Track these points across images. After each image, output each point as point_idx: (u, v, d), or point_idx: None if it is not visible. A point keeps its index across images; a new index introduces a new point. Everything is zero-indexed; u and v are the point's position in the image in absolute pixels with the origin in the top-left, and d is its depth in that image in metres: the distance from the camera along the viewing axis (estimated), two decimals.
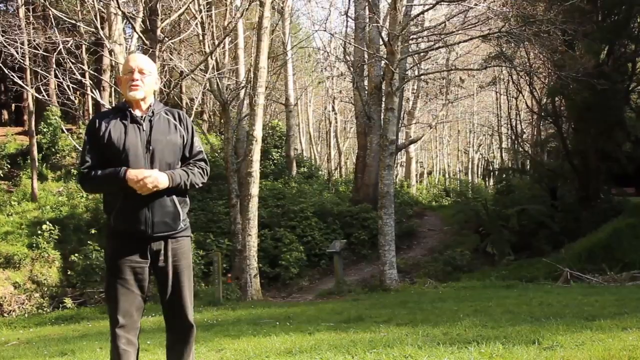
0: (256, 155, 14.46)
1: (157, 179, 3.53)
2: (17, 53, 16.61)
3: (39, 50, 17.66)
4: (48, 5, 15.95)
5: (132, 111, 3.72)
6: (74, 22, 17.75)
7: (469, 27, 15.22)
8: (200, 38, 17.47)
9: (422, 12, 17.68)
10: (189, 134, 3.86)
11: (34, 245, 18.87)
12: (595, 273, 13.66)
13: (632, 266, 13.62)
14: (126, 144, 3.60)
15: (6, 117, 30.89)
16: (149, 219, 3.59)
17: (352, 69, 21.86)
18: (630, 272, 13.10)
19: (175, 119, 3.83)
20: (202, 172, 3.86)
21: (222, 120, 21.67)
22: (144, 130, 3.68)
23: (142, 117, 3.72)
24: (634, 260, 14.01)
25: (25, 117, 25.81)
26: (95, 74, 20.27)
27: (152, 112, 3.76)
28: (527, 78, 21.41)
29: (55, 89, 22.30)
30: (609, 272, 13.40)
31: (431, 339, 5.70)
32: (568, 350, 4.80)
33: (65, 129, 23.26)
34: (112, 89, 19.45)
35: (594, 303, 8.17)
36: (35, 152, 22.58)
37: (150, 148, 3.65)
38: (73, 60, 16.55)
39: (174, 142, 3.76)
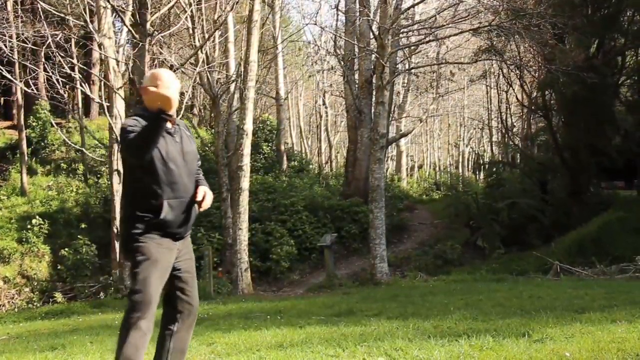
0: (247, 149, 14.43)
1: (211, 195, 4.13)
2: (6, 46, 16.50)
3: (27, 44, 17.54)
4: None
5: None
6: (63, 15, 17.63)
7: (460, 20, 15.21)
8: (190, 32, 17.39)
9: (413, 6, 17.68)
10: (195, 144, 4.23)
11: (24, 239, 18.80)
12: (584, 266, 13.71)
13: (621, 259, 13.66)
14: (170, 154, 3.90)
15: None
16: (186, 223, 4.04)
17: (342, 63, 21.84)
18: (619, 265, 13.15)
19: (187, 130, 4.16)
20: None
21: (212, 114, 21.64)
22: (177, 141, 3.98)
23: (172, 129, 3.97)
24: (623, 254, 14.06)
25: (14, 111, 25.64)
26: (85, 67, 20.12)
27: (178, 124, 4.02)
28: (517, 72, 21.42)
29: (44, 82, 22.19)
30: (599, 265, 13.45)
31: (422, 332, 5.72)
32: (558, 343, 4.83)
33: (55, 123, 23.17)
34: (102, 82, 19.32)
35: (584, 296, 8.22)
36: (24, 146, 22.47)
37: (185, 159, 4.00)
38: (62, 54, 16.43)
39: (195, 152, 4.16)
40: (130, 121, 3.89)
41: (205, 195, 4.05)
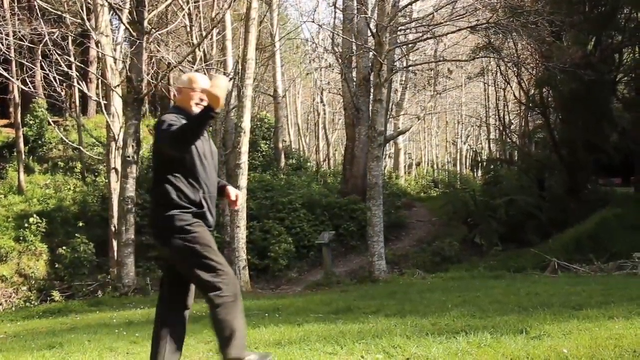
0: (244, 147, 14.42)
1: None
2: (2, 44, 16.46)
3: (24, 42, 17.50)
4: None
5: None
6: (59, 13, 17.58)
7: (457, 18, 15.20)
8: (188, 29, 17.38)
9: (411, 3, 17.67)
10: None
11: (21, 238, 18.77)
12: (582, 263, 13.74)
13: (618, 256, 13.70)
14: (204, 151, 4.07)
15: None
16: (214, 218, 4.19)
17: (340, 61, 21.85)
18: (616, 262, 13.18)
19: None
20: None
21: None
22: (207, 140, 4.16)
23: None
24: (620, 250, 14.10)
25: (11, 109, 25.60)
26: (82, 65, 20.07)
27: None
28: (515, 69, 21.44)
29: (41, 80, 22.12)
30: (596, 262, 13.49)
31: (420, 330, 5.72)
32: (555, 340, 4.83)
33: (52, 121, 23.15)
34: (99, 80, 19.30)
35: (581, 292, 8.22)
36: (21, 145, 22.43)
37: (213, 157, 4.19)
38: (59, 52, 16.41)
39: (217, 152, 4.34)
40: (172, 116, 4.00)
41: (238, 195, 4.35)
